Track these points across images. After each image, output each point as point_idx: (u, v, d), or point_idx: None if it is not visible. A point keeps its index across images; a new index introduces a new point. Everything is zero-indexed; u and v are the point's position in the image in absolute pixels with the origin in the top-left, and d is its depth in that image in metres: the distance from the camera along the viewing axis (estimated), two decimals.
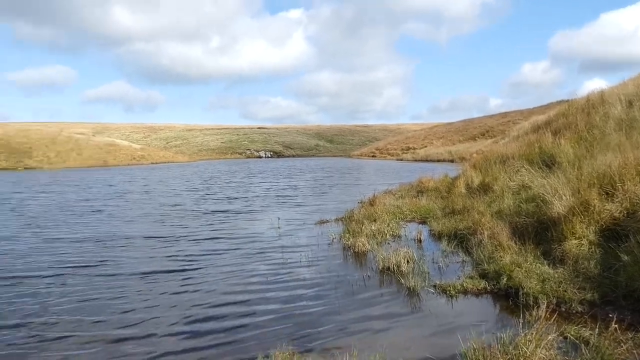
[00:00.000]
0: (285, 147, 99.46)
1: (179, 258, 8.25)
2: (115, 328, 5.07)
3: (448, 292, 5.84)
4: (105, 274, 7.26)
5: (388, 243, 8.68)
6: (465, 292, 5.84)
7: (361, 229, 9.38)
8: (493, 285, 5.89)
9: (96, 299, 6.07)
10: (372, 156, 73.88)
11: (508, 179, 10.80)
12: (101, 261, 8.06)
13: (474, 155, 32.76)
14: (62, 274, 7.24)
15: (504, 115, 69.90)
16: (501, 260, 6.21)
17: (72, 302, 5.96)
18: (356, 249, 8.28)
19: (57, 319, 5.39)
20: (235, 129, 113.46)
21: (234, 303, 5.83)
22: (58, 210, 14.90)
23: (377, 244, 8.43)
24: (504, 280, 5.79)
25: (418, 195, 14.20)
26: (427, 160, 51.17)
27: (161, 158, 70.48)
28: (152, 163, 64.21)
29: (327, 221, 11.73)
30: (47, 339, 4.85)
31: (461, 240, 8.25)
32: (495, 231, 7.25)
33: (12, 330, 5.07)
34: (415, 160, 53.89)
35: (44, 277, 7.11)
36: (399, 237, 9.32)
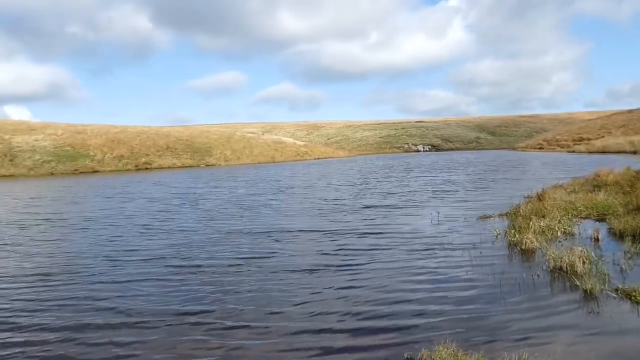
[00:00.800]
0: (443, 141, 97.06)
1: (343, 252, 8.42)
2: (289, 320, 5.21)
3: (633, 297, 5.22)
4: (274, 265, 7.60)
5: (559, 241, 8.03)
6: None
7: (528, 225, 8.80)
8: None
9: (268, 289, 6.32)
10: (539, 148, 68.58)
11: None
12: (270, 253, 8.51)
13: None
14: (236, 265, 7.75)
15: None
16: None
17: (247, 292, 6.28)
18: (523, 246, 7.79)
19: (235, 308, 5.69)
20: (393, 123, 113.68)
21: (399, 301, 5.83)
22: (230, 204, 16.08)
23: (547, 241, 7.84)
24: None
25: (594, 190, 12.88)
26: (603, 152, 45.99)
27: (323, 154, 73.51)
28: (315, 158, 67.27)
29: (490, 217, 11.21)
30: (228, 327, 5.12)
31: None
32: None
33: (195, 317, 5.48)
34: (590, 152, 48.79)
35: (220, 266, 7.68)
36: (572, 234, 8.57)
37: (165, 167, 53.11)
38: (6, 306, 5.97)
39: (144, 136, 59.85)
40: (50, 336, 4.97)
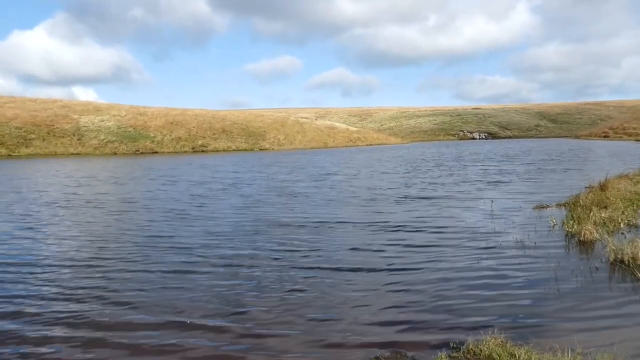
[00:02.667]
0: (501, 128, 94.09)
1: (393, 242, 8.38)
2: (353, 324, 4.63)
3: None
4: (316, 263, 6.79)
5: (622, 233, 7.64)
6: None
7: (588, 216, 8.42)
8: None
9: (311, 289, 5.67)
10: (605, 136, 65.36)
11: None
12: (310, 248, 7.65)
13: None
14: (268, 259, 7.07)
15: None
16: None
17: (287, 290, 5.68)
18: (581, 238, 7.47)
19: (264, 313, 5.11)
20: (448, 110, 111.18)
21: (449, 291, 5.76)
22: (272, 192, 15.36)
23: (608, 233, 7.48)
24: None
25: None
26: None
27: (375, 140, 72.99)
28: (367, 145, 66.91)
29: (547, 206, 10.81)
30: (257, 334, 5.26)
31: None
32: None
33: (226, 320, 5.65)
34: None
35: (250, 261, 6.99)
36: (636, 227, 8.13)
37: (220, 150, 54.28)
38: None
39: (201, 119, 61.31)
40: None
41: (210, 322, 4.78)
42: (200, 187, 16.87)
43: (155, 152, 51.20)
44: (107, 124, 55.67)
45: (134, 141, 52.82)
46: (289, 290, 5.65)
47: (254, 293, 5.62)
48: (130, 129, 55.44)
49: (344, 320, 4.77)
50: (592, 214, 8.54)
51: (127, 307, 5.25)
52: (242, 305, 5.25)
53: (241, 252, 7.54)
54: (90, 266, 6.90)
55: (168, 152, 51.41)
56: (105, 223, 10.43)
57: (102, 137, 52.46)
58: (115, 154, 49.65)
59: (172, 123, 58.22)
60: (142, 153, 50.42)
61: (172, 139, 54.92)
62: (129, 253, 7.60)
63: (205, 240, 8.46)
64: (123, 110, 61.40)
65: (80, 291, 5.75)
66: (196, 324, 4.74)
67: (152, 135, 54.85)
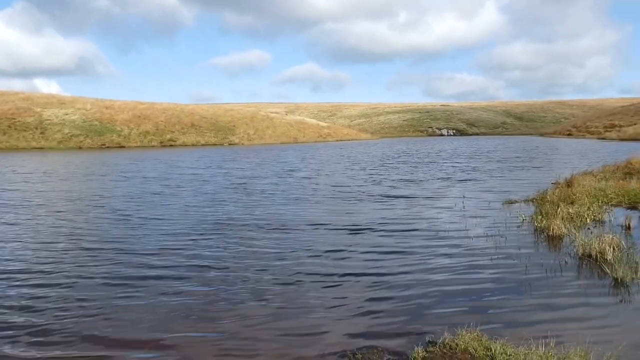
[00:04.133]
0: (468, 125, 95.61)
1: (362, 240, 8.36)
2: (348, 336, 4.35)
3: None
4: (279, 268, 6.23)
5: (588, 228, 7.82)
6: None
7: (556, 212, 8.59)
8: None
9: (268, 300, 5.21)
10: (568, 134, 67.14)
11: None
12: (271, 252, 6.98)
13: None
14: (219, 268, 6.28)
15: None
16: None
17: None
18: (550, 232, 7.61)
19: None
20: (418, 107, 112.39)
21: (422, 286, 5.78)
22: (232, 189, 14.61)
23: (575, 228, 7.63)
24: None
25: (626, 178, 12.54)
26: (636, 140, 44.80)
27: (345, 136, 73.20)
28: (337, 140, 67.02)
29: (516, 202, 11.00)
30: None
31: None
32: None
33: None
34: (622, 140, 47.57)
35: (195, 271, 6.73)
36: (602, 222, 8.35)
37: (189, 145, 53.54)
38: None
39: (170, 113, 60.34)
40: None
41: (160, 336, 4.34)
42: (158, 184, 16.20)
43: (122, 147, 50.15)
44: (72, 117, 54.21)
45: (99, 135, 51.61)
46: (249, 299, 5.18)
47: (207, 304, 5.06)
48: (96, 122, 54.13)
49: (317, 320, 4.72)
50: (559, 209, 8.71)
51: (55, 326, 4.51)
52: (197, 317, 4.74)
53: (192, 258, 6.77)
54: (20, 275, 6.07)
55: (135, 147, 50.41)
56: (48, 224, 9.49)
57: (66, 130, 51.06)
58: (81, 148, 48.40)
59: (139, 117, 57.11)
60: (108, 147, 49.32)
61: (140, 133, 53.89)
62: (62, 261, 6.73)
63: (151, 245, 7.60)
64: (88, 103, 59.90)
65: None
66: (142, 340, 4.29)
67: (118, 129, 53.68)
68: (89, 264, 6.57)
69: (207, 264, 6.52)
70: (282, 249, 7.29)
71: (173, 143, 53.57)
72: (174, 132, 55.95)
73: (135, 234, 8.54)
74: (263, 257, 6.83)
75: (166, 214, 10.47)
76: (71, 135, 50.58)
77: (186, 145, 53.36)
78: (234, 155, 34.05)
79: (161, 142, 53.20)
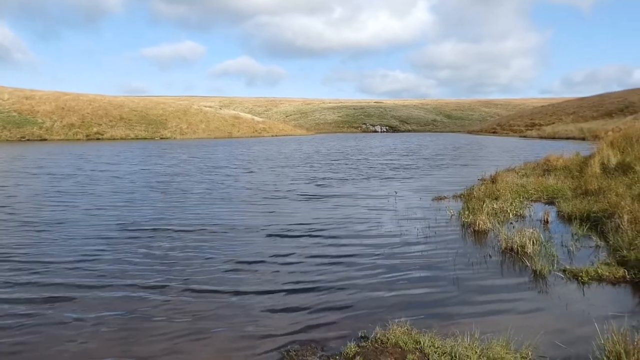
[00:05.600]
0: (401, 122, 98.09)
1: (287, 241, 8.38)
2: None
3: (580, 278, 5.40)
4: (195, 280, 5.68)
5: (511, 223, 8.23)
6: (599, 279, 5.36)
7: (482, 207, 8.98)
8: (634, 274, 5.34)
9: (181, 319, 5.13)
10: (493, 132, 70.39)
11: None
12: (184, 260, 6.35)
13: (610, 133, 29.87)
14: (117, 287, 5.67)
15: None
16: None
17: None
18: (476, 227, 7.94)
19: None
20: (352, 103, 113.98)
21: (352, 281, 5.87)
22: (150, 187, 13.70)
23: (499, 223, 8.02)
24: None
25: (545, 174, 13.31)
26: (554, 138, 47.64)
27: (281, 131, 73.04)
28: (273, 136, 66.78)
29: (445, 198, 11.40)
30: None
31: (595, 223, 7.62)
32: (638, 215, 6.55)
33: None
34: (541, 138, 50.41)
35: (86, 290, 6.16)
36: (523, 217, 8.81)
37: (118, 138, 51.52)
38: None
39: (96, 105, 57.77)
40: None
41: None
42: (67, 181, 15.17)
43: (45, 140, 47.49)
44: None
45: (18, 127, 48.61)
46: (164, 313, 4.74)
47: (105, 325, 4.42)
48: (15, 113, 50.94)
49: (245, 321, 4.69)
50: (484, 205, 9.11)
51: None
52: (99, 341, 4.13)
53: (88, 272, 5.91)
54: None
55: (59, 140, 47.89)
56: None
57: None
58: None
59: (63, 108, 54.29)
60: (28, 140, 46.55)
61: (64, 126, 51.25)
62: None
63: (45, 256, 6.62)
64: (6, 93, 56.23)
65: None
66: None
67: (40, 121, 50.79)
68: None
69: (107, 282, 5.54)
70: (197, 255, 6.61)
71: (100, 136, 51.35)
72: (101, 125, 53.63)
73: (27, 242, 7.44)
74: (169, 265, 6.18)
75: (70, 217, 9.38)
76: None
77: (115, 139, 51.30)
78: (160, 150, 32.87)
79: (87, 136, 50.85)
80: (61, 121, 51.85)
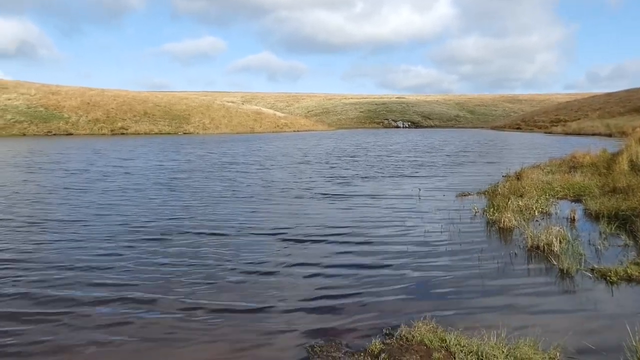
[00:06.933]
0: (423, 118, 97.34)
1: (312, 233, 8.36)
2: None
3: (608, 277, 5.29)
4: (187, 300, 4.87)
5: (536, 220, 8.11)
6: (629, 279, 5.25)
7: (507, 204, 8.86)
8: None
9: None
10: (517, 128, 69.38)
11: None
12: (189, 269, 5.75)
13: (638, 129, 29.19)
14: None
15: None
16: None
17: None
18: (501, 225, 7.84)
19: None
20: (374, 99, 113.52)
21: (378, 279, 5.85)
22: (161, 184, 13.44)
23: (525, 220, 7.91)
24: None
25: (570, 171, 13.07)
26: (579, 134, 46.80)
27: (302, 126, 73.14)
28: (294, 131, 66.90)
29: (469, 195, 11.29)
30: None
31: (623, 222, 7.47)
32: None
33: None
34: (566, 134, 49.56)
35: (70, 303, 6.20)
36: (549, 214, 8.67)
37: (142, 133, 52.21)
38: None
39: (121, 100, 58.59)
40: None
41: None
42: (76, 177, 15.16)
43: (70, 134, 48.38)
44: (15, 102, 51.86)
45: (45, 122, 49.60)
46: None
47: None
48: (42, 108, 51.99)
49: (273, 317, 4.72)
50: (510, 202, 8.99)
51: None
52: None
53: (85, 275, 5.58)
54: None
55: (84, 134, 48.74)
56: None
57: (8, 117, 48.83)
58: (25, 135, 46.41)
59: (88, 104, 55.20)
60: (55, 134, 47.46)
61: (89, 121, 52.12)
62: None
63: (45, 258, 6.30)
64: (33, 88, 57.40)
65: None
66: None
67: (66, 116, 51.74)
68: None
69: (113, 292, 5.04)
70: (203, 258, 6.25)
71: (125, 131, 52.10)
72: (125, 120, 54.41)
73: (29, 239, 7.29)
74: (166, 271, 5.80)
75: (72, 215, 9.17)
76: (14, 122, 48.44)
77: (139, 133, 51.99)
78: (178, 145, 33.03)
79: (112, 130, 51.64)
80: (86, 116, 52.74)
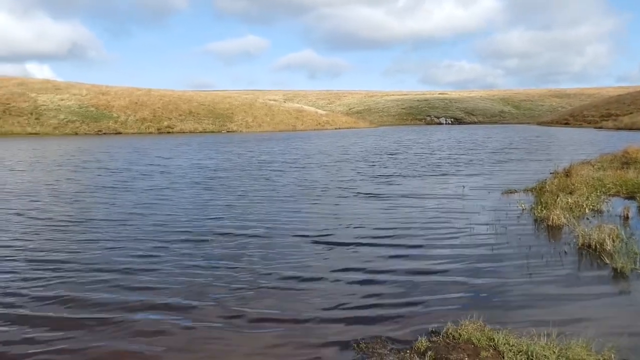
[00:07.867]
0: (466, 114, 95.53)
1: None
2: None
3: None
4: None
5: (587, 218, 7.86)
6: None
7: (555, 201, 8.62)
8: None
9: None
10: (565, 123, 67.13)
11: None
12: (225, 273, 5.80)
13: None
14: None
15: None
16: None
17: None
18: (550, 222, 7.64)
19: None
20: (416, 95, 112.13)
21: (425, 276, 5.81)
22: (190, 184, 13.71)
23: (574, 218, 7.68)
24: None
25: (623, 167, 12.58)
26: (632, 129, 44.90)
27: (344, 124, 73.04)
28: (336, 128, 66.90)
29: (515, 192, 11.03)
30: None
31: None
32: None
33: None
34: (618, 129, 47.61)
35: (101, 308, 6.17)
36: (600, 212, 8.38)
37: (187, 132, 53.37)
38: None
39: (167, 100, 60.06)
40: None
41: None
42: (117, 175, 15.41)
43: (119, 133, 49.97)
44: (67, 103, 53.94)
45: (96, 121, 51.38)
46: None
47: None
48: (92, 108, 53.88)
49: (319, 312, 4.76)
50: (558, 199, 8.75)
51: None
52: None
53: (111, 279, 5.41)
54: None
55: (132, 133, 50.24)
56: None
57: (62, 116, 50.83)
58: (77, 134, 48.23)
59: (136, 103, 56.84)
60: (105, 134, 49.13)
61: (137, 120, 53.67)
62: None
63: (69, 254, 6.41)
64: (84, 89, 59.57)
65: None
66: None
67: (115, 115, 53.44)
68: None
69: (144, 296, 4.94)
70: (243, 262, 6.05)
71: (170, 130, 53.39)
72: (171, 119, 55.73)
73: (68, 239, 7.28)
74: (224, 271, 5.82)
75: (111, 215, 9.18)
76: (67, 121, 50.37)
77: (184, 132, 53.19)
78: (218, 144, 33.18)
79: (158, 129, 53.01)
80: (134, 115, 54.31)
